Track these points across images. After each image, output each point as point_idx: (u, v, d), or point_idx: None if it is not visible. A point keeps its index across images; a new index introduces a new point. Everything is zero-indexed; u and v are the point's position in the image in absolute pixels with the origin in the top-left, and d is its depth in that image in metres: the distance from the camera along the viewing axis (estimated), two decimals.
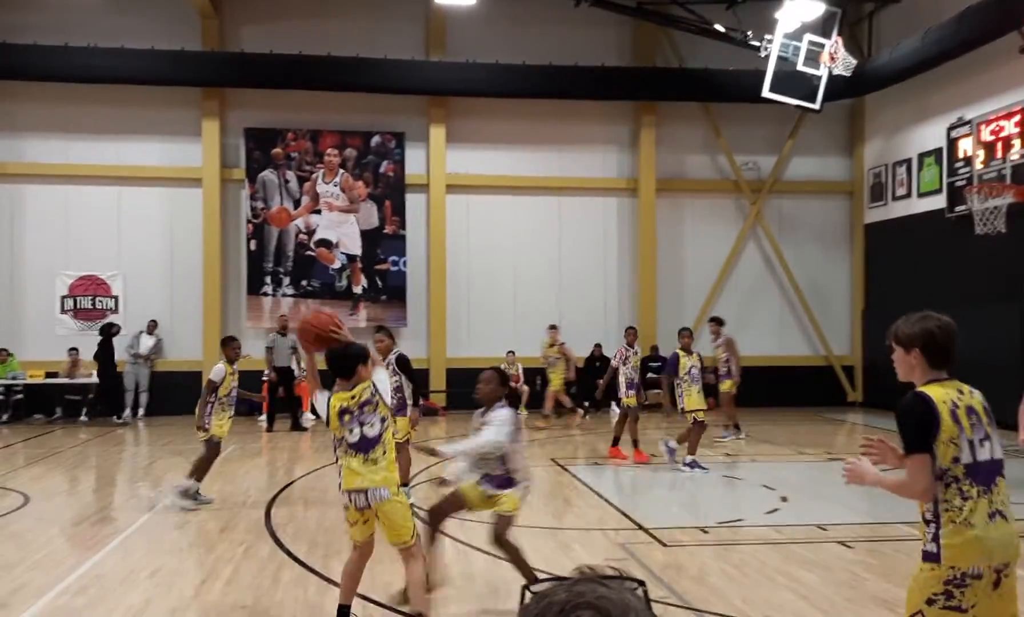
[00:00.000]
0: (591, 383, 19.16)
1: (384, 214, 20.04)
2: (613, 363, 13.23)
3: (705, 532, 8.57)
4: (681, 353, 12.35)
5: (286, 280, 19.74)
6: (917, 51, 17.25)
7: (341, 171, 19.90)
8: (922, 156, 18.98)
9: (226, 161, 19.76)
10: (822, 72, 17.57)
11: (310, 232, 19.85)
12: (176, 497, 9.69)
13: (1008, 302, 16.07)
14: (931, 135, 18.61)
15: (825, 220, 21.52)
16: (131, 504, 10.39)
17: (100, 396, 18.50)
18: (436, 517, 6.42)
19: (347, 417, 5.55)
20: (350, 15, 19.78)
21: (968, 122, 17.30)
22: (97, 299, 19.52)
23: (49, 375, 18.76)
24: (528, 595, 5.01)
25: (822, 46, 17.48)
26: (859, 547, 7.90)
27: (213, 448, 9.89)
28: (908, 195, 19.55)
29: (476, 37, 19.83)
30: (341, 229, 19.92)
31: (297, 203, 19.81)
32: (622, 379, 12.88)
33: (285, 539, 8.31)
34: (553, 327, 18.65)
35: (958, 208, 17.28)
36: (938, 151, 18.31)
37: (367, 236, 19.97)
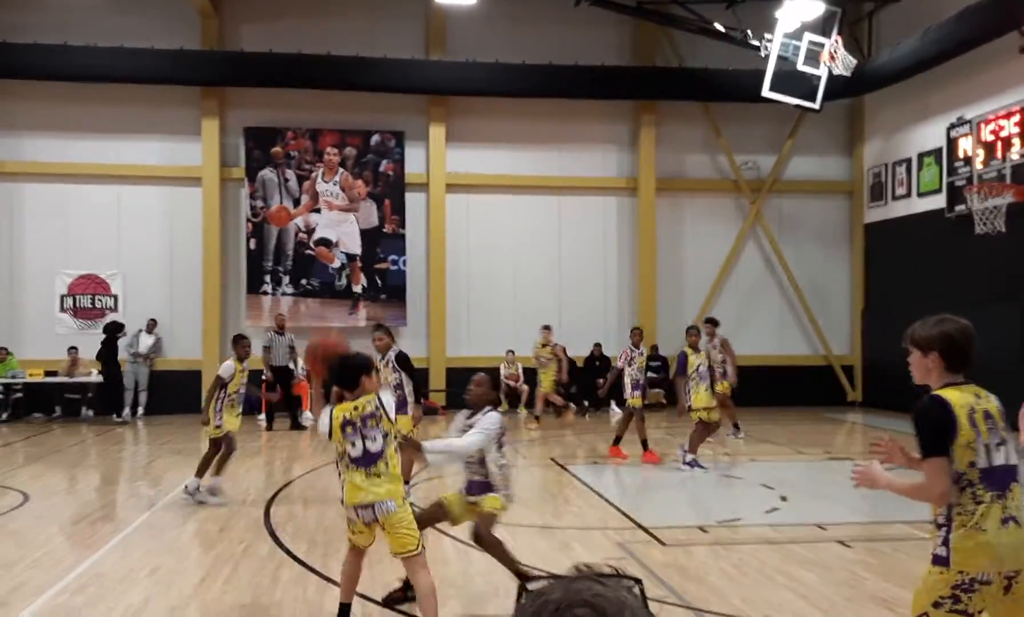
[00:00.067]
0: (591, 382, 19.24)
1: (384, 213, 20.03)
2: (618, 363, 13.20)
3: (704, 531, 8.56)
4: (689, 351, 12.33)
5: (286, 279, 19.73)
6: (917, 51, 17.25)
7: (341, 170, 19.89)
8: (922, 156, 18.97)
9: (226, 160, 19.76)
10: (822, 72, 17.55)
11: (310, 231, 19.84)
12: (206, 497, 9.81)
13: (1008, 302, 16.05)
14: (931, 135, 18.60)
15: (825, 220, 21.50)
16: (130, 503, 10.41)
17: (101, 394, 18.51)
18: (418, 526, 6.41)
19: (349, 429, 5.45)
20: (350, 14, 19.77)
21: (968, 122, 17.30)
22: (97, 298, 19.51)
23: (48, 374, 18.74)
24: (525, 593, 5.01)
25: (822, 46, 17.46)
26: (858, 546, 7.90)
27: (228, 443, 10.01)
28: (908, 195, 19.55)
29: (476, 36, 19.82)
30: (341, 228, 19.92)
31: (297, 202, 19.80)
32: (627, 380, 12.85)
33: (284, 538, 8.31)
34: (546, 327, 18.62)
35: (958, 208, 17.27)
36: (938, 151, 18.31)
37: (367, 235, 19.96)
